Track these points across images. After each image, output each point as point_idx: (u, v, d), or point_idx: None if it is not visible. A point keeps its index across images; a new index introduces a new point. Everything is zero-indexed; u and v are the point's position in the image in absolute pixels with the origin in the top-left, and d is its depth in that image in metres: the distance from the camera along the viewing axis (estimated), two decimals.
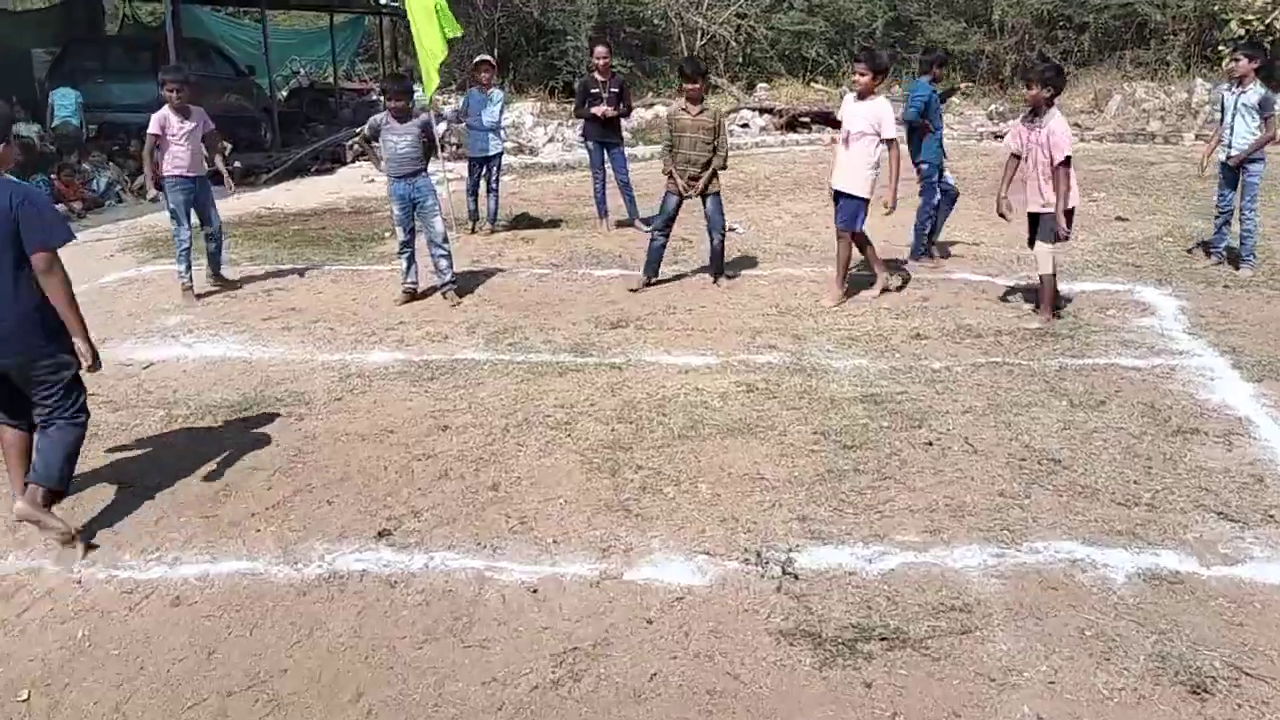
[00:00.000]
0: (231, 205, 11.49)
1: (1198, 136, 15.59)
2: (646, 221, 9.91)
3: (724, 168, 7.46)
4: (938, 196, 8.05)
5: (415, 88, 9.40)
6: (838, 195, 6.94)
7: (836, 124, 18.52)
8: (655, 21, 23.22)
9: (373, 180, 13.56)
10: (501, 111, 9.72)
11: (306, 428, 5.05)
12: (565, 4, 24.69)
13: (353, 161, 14.78)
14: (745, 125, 18.69)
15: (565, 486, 4.37)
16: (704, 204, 7.46)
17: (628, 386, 5.53)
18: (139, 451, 4.83)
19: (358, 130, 14.58)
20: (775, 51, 24.61)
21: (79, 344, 3.77)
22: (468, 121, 9.65)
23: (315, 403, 5.38)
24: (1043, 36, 23.31)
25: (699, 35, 23.32)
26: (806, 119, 18.98)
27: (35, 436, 3.98)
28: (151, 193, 7.49)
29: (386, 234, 9.87)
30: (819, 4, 25.09)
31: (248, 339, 6.51)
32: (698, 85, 7.32)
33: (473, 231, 9.75)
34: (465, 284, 7.71)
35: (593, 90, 9.37)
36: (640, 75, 23.98)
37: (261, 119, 16.14)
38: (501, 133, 9.81)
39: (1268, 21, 18.57)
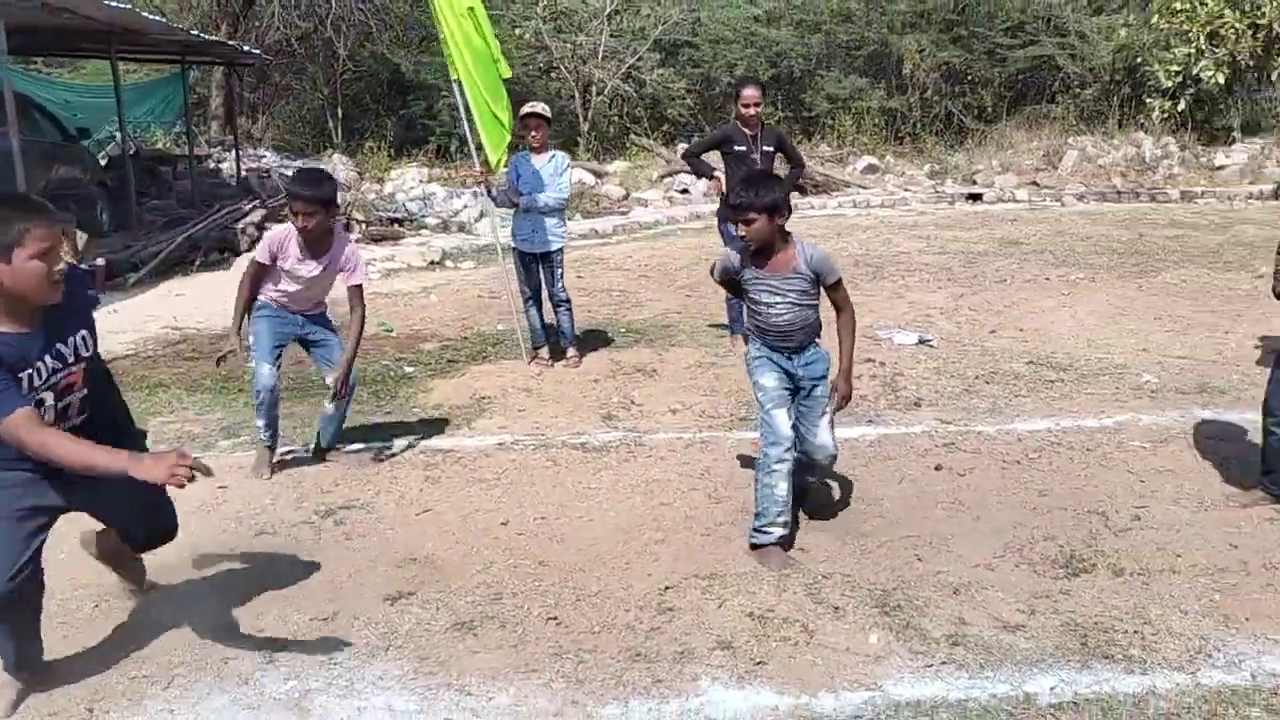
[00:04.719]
0: (113, 321, 7.74)
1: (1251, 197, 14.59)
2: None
3: None
4: None
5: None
6: None
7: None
8: (552, 77, 20.38)
9: None
10: (569, 184, 6.55)
11: None
12: (428, 57, 21.49)
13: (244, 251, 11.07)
14: (685, 191, 16.19)
15: None
16: None
17: None
18: None
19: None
20: (653, 111, 22.35)
21: None
22: (520, 200, 6.41)
23: None
24: (950, 92, 22.29)
25: (593, 91, 20.65)
26: None
27: None
28: (234, 346, 4.59)
29: (408, 368, 6.55)
30: (690, 60, 23.05)
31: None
32: None
33: (551, 362, 6.57)
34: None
35: (738, 147, 6.47)
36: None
37: (97, 195, 12.16)
38: (564, 216, 6.63)
39: (1194, 72, 18.08)
